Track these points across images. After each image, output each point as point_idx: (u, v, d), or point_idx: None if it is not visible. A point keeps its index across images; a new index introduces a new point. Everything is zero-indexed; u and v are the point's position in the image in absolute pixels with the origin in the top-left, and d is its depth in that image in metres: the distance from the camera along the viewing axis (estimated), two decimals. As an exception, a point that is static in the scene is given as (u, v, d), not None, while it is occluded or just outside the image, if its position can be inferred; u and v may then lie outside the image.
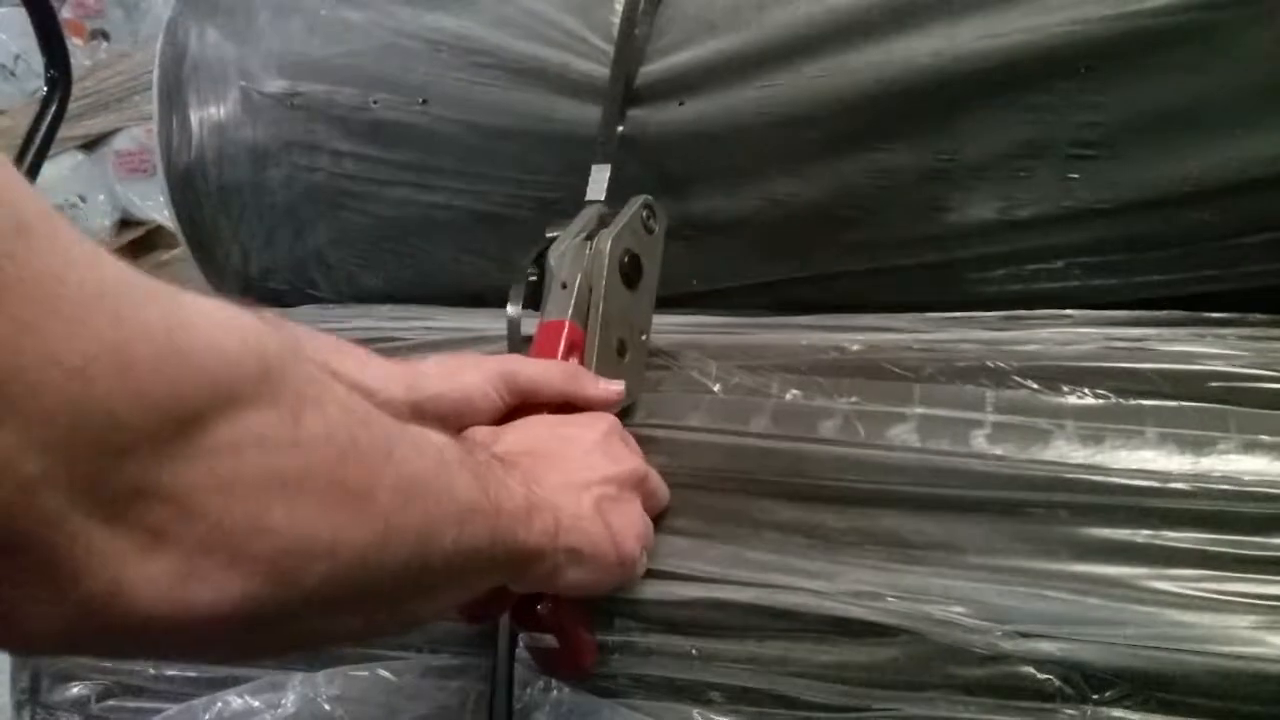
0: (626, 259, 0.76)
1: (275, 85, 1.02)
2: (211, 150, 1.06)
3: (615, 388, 0.75)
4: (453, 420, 0.68)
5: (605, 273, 0.74)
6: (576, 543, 0.61)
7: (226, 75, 1.04)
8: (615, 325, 0.76)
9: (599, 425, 0.69)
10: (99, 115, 3.53)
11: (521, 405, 0.71)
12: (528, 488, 0.58)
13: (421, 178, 1.00)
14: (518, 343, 0.78)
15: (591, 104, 0.91)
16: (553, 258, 0.76)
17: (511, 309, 0.78)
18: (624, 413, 0.79)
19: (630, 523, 0.67)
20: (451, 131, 0.97)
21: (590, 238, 0.77)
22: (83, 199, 3.70)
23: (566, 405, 0.72)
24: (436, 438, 0.50)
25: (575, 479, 0.64)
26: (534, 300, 0.78)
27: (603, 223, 0.79)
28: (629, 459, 0.69)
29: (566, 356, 0.73)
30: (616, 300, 0.76)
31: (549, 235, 0.79)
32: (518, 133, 0.95)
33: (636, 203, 0.79)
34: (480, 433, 0.67)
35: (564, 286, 0.74)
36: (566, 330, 0.73)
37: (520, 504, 0.56)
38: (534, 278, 0.78)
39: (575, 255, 0.75)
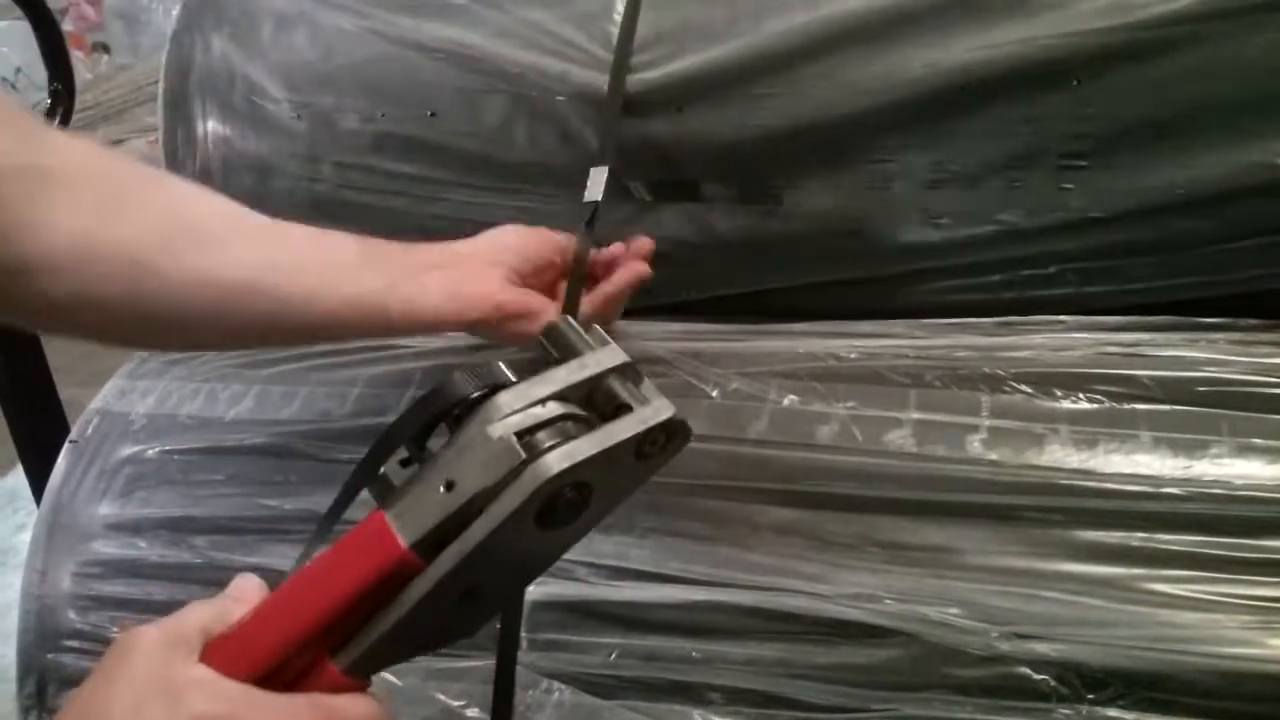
0: (568, 493, 0.45)
1: (281, 98, 1.03)
2: (217, 161, 1.07)
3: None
4: None
5: (516, 508, 0.43)
6: None
7: (232, 87, 1.06)
8: (483, 570, 0.45)
9: None
10: (100, 128, 3.55)
11: None
12: None
13: (425, 189, 1.01)
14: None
15: (593, 113, 0.92)
16: (467, 434, 0.46)
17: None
18: None
19: None
20: (454, 143, 0.98)
21: (543, 428, 0.45)
22: (83, 211, 3.71)
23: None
24: None
25: None
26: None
27: (589, 399, 0.48)
28: None
29: (344, 604, 0.45)
30: (512, 544, 0.45)
31: (477, 377, 0.47)
32: (520, 143, 0.96)
33: (651, 420, 0.46)
34: None
35: (447, 488, 0.45)
36: (391, 559, 0.44)
37: None
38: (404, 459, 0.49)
39: (494, 454, 0.44)
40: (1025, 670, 0.68)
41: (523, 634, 0.78)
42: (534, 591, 0.78)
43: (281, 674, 0.45)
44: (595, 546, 0.79)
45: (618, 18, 0.93)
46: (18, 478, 2.39)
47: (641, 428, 0.45)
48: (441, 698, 0.78)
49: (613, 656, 0.77)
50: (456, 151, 0.99)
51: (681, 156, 0.93)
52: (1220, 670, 0.65)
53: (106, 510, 0.96)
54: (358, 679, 0.46)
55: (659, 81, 0.91)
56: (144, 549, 0.94)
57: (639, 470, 0.48)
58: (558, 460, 0.43)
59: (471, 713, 0.77)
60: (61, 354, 1.32)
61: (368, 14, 1.02)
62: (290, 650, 0.45)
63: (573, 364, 0.47)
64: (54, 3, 1.26)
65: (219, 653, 0.45)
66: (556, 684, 0.77)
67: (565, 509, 0.45)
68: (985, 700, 0.69)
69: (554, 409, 0.45)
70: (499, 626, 0.76)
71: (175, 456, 0.96)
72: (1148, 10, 0.78)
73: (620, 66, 0.90)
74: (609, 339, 0.49)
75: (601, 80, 0.92)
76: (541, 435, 0.45)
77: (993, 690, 0.69)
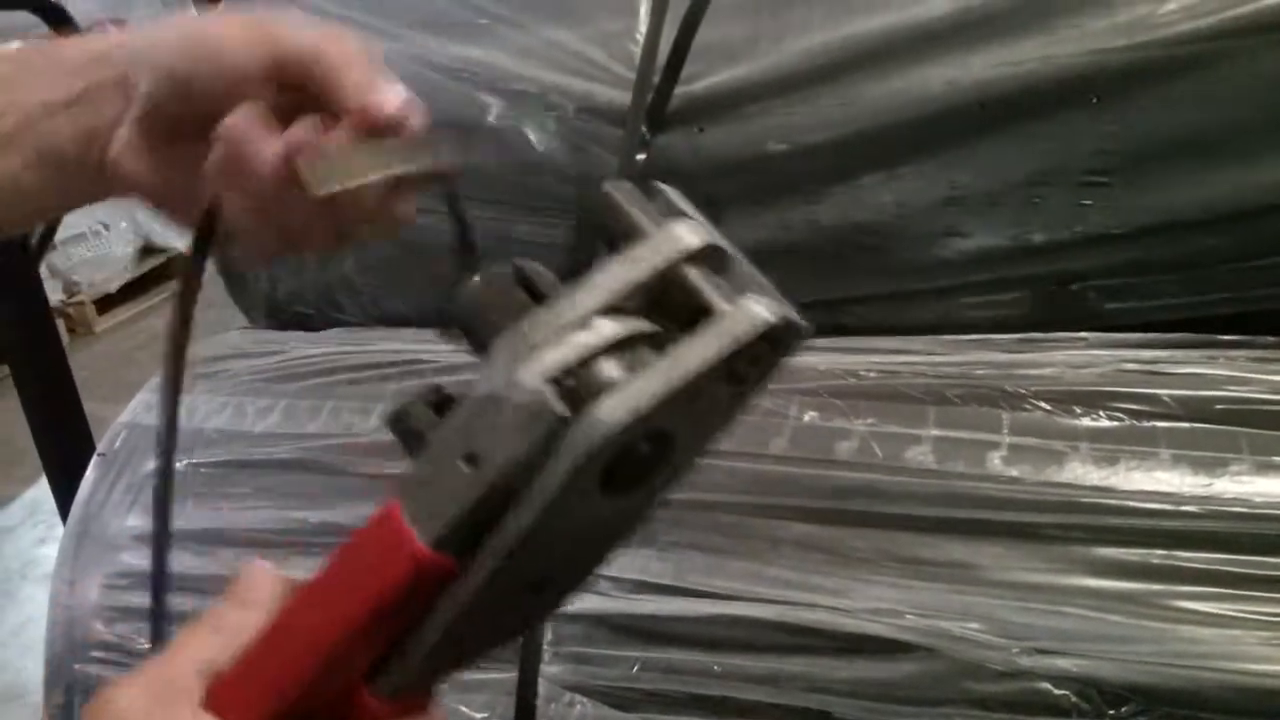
0: (641, 447, 0.33)
1: (306, 115, 1.05)
2: (243, 178, 1.08)
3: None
4: None
5: (566, 483, 0.32)
6: None
7: (258, 105, 1.07)
8: (540, 559, 0.34)
9: None
10: (122, 143, 3.57)
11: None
12: None
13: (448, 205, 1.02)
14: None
15: (615, 132, 0.93)
16: (488, 379, 0.33)
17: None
18: None
19: None
20: (479, 160, 0.99)
21: (592, 361, 0.33)
22: (105, 227, 3.74)
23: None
24: None
25: None
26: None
27: (660, 299, 0.35)
28: None
29: (363, 624, 0.34)
30: (574, 520, 0.34)
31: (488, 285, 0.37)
32: (543, 161, 0.97)
33: (744, 334, 0.32)
34: None
35: (469, 462, 0.33)
36: (411, 565, 0.33)
37: None
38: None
39: (523, 412, 0.32)
40: (1046, 685, 0.69)
41: (545, 646, 0.79)
42: (556, 605, 0.79)
43: (308, 709, 0.35)
44: (617, 560, 0.79)
45: (640, 38, 0.94)
46: (38, 490, 2.42)
47: (732, 346, 0.32)
48: (464, 709, 0.79)
49: (634, 669, 0.77)
50: (481, 168, 1.00)
51: (702, 174, 0.94)
52: (1240, 686, 0.66)
53: (134, 522, 0.98)
54: (410, 700, 0.37)
55: (680, 101, 0.92)
56: (171, 561, 0.95)
57: (736, 395, 0.35)
58: (613, 413, 0.31)
59: (495, 725, 0.78)
60: (86, 368, 1.34)
61: (393, 34, 1.03)
62: (307, 686, 0.35)
63: (629, 255, 0.34)
64: (80, 21, 1.28)
65: (226, 698, 0.35)
66: (578, 697, 0.77)
67: (639, 465, 0.33)
68: (1005, 715, 0.70)
69: (606, 330, 0.33)
70: (521, 639, 0.77)
71: (203, 469, 0.97)
72: (1170, 29, 0.79)
73: (642, 86, 0.92)
74: (682, 203, 0.36)
75: (623, 99, 0.93)
76: (591, 373, 0.32)
77: (1013, 705, 0.69)
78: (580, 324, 0.33)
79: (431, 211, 1.04)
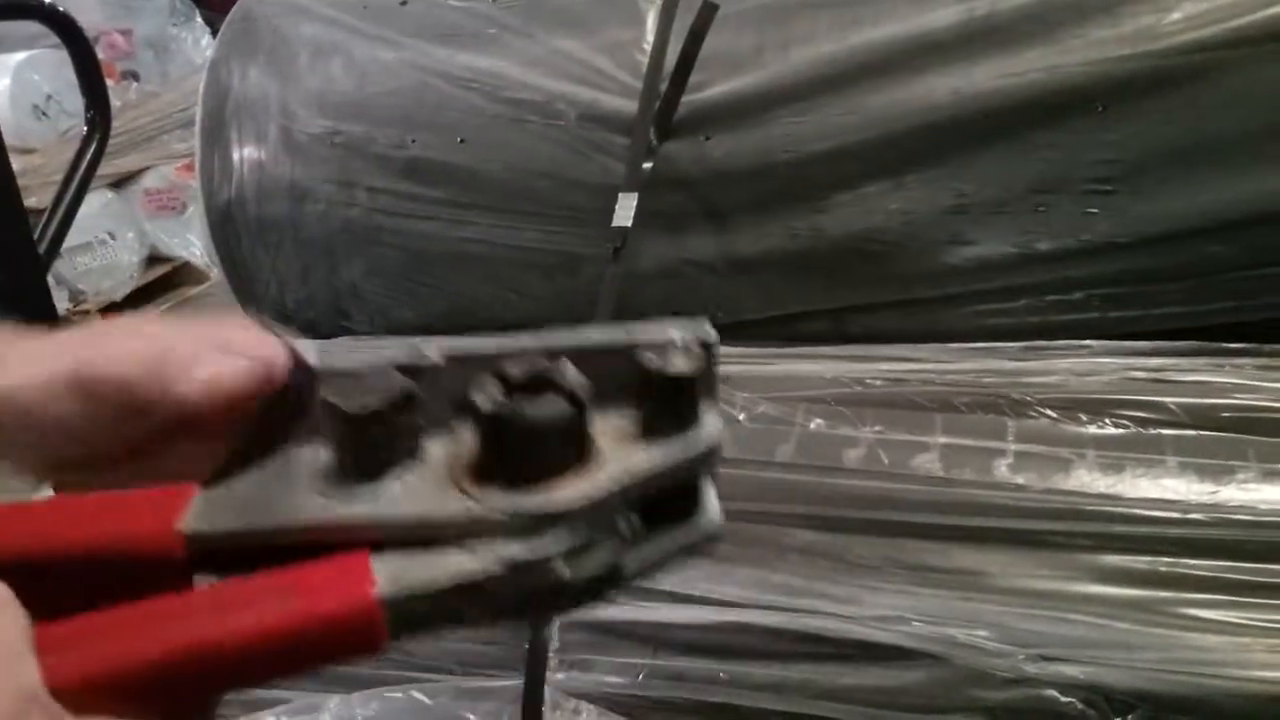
0: None
1: (316, 125, 1.05)
2: (251, 186, 1.09)
3: None
4: None
5: None
6: None
7: (268, 114, 1.08)
8: None
9: None
10: (129, 154, 3.58)
11: None
12: None
13: (455, 213, 1.02)
14: None
15: (622, 140, 0.94)
16: None
17: None
18: None
19: None
20: (487, 169, 0.99)
21: None
22: (112, 236, 3.75)
23: None
24: None
25: None
26: None
27: None
28: None
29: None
30: None
31: None
32: (550, 170, 0.97)
33: None
34: None
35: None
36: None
37: None
38: None
39: None
40: (1052, 693, 0.68)
41: (551, 654, 0.79)
42: (563, 611, 0.79)
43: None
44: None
45: (647, 47, 0.95)
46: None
47: None
48: (471, 717, 0.79)
49: (640, 677, 0.77)
50: (485, 177, 1.00)
51: (708, 182, 0.94)
52: (1247, 693, 0.65)
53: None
54: None
55: (687, 109, 0.93)
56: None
57: None
58: None
59: (501, 731, 0.78)
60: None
61: (403, 44, 1.04)
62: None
63: None
64: (88, 31, 1.29)
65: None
66: (584, 704, 0.77)
67: None
68: (1012, 722, 0.70)
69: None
70: (528, 647, 0.77)
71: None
72: (1174, 39, 0.79)
73: (649, 94, 0.92)
74: None
75: (630, 107, 0.93)
76: None
77: (1019, 713, 0.69)
78: None
79: (438, 219, 1.05)
